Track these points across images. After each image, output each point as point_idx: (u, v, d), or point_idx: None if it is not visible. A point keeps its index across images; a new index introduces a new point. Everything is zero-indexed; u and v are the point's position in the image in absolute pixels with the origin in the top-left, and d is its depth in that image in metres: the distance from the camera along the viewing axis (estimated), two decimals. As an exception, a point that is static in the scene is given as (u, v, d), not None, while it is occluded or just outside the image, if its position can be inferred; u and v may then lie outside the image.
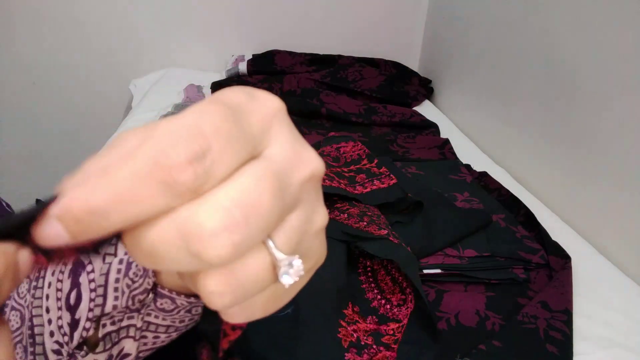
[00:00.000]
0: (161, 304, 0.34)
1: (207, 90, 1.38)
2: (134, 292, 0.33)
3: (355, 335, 0.52)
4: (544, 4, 0.96)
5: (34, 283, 0.37)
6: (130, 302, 0.33)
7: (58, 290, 0.36)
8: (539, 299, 0.61)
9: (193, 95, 1.33)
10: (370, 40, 1.71)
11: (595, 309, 0.65)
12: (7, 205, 0.61)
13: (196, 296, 0.33)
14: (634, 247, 0.74)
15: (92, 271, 0.35)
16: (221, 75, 1.51)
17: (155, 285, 0.33)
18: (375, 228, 0.63)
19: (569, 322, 0.58)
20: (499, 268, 0.68)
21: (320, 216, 0.19)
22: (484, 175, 0.96)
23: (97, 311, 0.33)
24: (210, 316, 0.25)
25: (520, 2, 1.06)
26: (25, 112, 1.60)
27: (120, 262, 0.34)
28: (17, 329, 0.37)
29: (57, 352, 0.36)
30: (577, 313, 0.62)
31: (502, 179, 0.95)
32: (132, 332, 0.34)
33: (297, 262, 0.17)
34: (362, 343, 0.51)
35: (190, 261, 0.15)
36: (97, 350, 0.35)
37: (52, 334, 0.36)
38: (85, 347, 0.35)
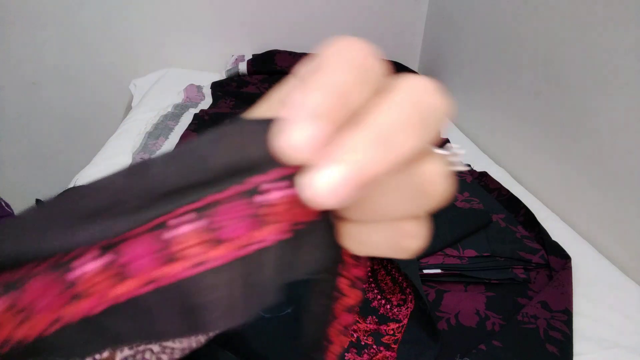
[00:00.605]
0: None
1: (207, 90, 1.38)
2: None
3: (355, 335, 0.52)
4: (543, 4, 0.96)
5: None
6: None
7: None
8: (539, 299, 0.61)
9: (193, 96, 1.33)
10: (370, 40, 1.70)
11: (595, 309, 0.64)
12: (7, 205, 0.61)
13: None
14: (634, 247, 0.74)
15: None
16: (221, 75, 1.51)
17: None
18: None
19: (569, 322, 0.58)
20: (499, 268, 0.68)
21: None
22: (484, 175, 0.96)
23: None
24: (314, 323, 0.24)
25: (519, 2, 1.06)
26: (25, 112, 1.60)
27: None
28: None
29: None
30: (577, 313, 0.62)
31: (502, 179, 0.95)
32: (148, 355, 0.34)
33: (451, 145, 0.17)
34: (362, 343, 0.51)
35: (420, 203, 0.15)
36: None
37: None
38: None
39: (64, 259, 0.14)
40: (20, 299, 0.14)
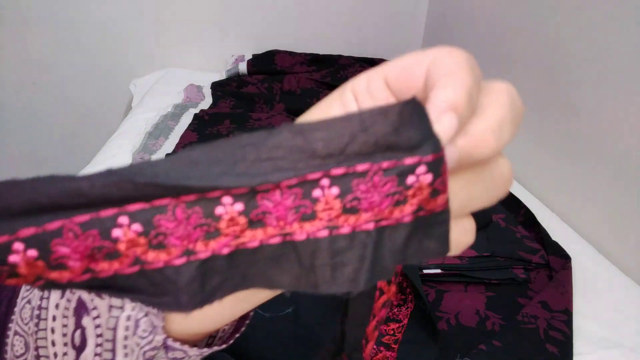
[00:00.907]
0: (173, 355, 0.34)
1: (207, 90, 1.38)
2: (144, 349, 0.33)
3: (355, 335, 0.52)
4: (543, 4, 0.96)
5: (36, 312, 0.36)
6: (141, 359, 0.33)
7: (64, 326, 0.36)
8: (539, 299, 0.61)
9: (193, 96, 1.33)
10: (370, 41, 1.71)
11: (595, 309, 0.65)
12: None
13: (208, 345, 0.34)
14: (634, 247, 0.74)
15: (98, 317, 0.35)
16: (221, 76, 1.51)
17: (165, 340, 0.33)
18: None
19: (569, 322, 0.58)
20: (498, 268, 0.68)
21: None
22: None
23: None
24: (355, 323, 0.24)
25: (519, 3, 1.06)
26: (25, 112, 1.60)
27: (128, 318, 0.33)
28: (22, 354, 0.37)
29: None
30: (577, 313, 0.62)
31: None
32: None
33: None
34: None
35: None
36: None
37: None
38: None
39: (213, 194, 0.15)
40: (161, 225, 0.15)
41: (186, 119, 1.18)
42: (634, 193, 0.73)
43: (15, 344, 0.37)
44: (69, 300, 0.36)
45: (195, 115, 1.19)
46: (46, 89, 1.59)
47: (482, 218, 0.77)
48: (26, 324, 0.37)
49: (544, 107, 0.96)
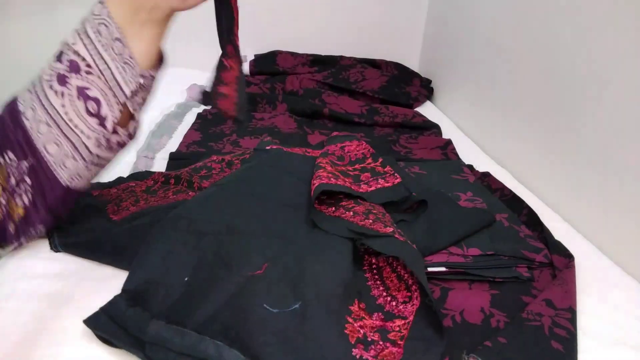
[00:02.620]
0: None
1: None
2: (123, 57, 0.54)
3: (362, 331, 0.53)
4: (544, 4, 0.97)
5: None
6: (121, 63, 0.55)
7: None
8: (543, 297, 0.61)
9: (196, 95, 1.34)
10: (370, 41, 1.71)
11: (598, 308, 0.65)
12: None
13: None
14: (636, 247, 0.74)
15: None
16: (223, 75, 1.51)
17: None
18: (381, 226, 0.63)
19: (573, 320, 0.58)
20: (502, 267, 0.69)
21: None
22: (487, 175, 0.97)
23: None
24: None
25: (520, 3, 1.07)
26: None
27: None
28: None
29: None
30: (581, 311, 0.62)
31: (504, 180, 0.96)
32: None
33: None
34: (369, 339, 0.52)
35: None
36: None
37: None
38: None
39: None
40: None
41: (189, 118, 1.19)
42: (636, 193, 0.74)
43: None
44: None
45: (199, 114, 1.19)
46: (48, 88, 1.59)
47: (485, 217, 0.77)
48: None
49: (544, 107, 0.97)
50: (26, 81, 0.61)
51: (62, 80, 0.52)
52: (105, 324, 0.50)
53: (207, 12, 1.61)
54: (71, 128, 0.53)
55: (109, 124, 0.55)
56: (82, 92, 0.52)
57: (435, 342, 0.53)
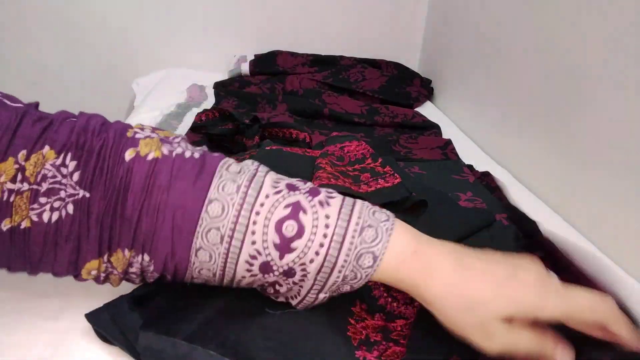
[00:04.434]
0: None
1: (209, 90, 1.38)
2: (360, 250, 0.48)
3: (364, 332, 0.53)
4: (544, 4, 0.97)
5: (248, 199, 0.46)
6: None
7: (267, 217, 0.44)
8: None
9: (196, 95, 1.34)
10: (370, 41, 1.72)
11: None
12: None
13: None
14: (636, 247, 0.74)
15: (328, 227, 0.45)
16: (224, 76, 1.51)
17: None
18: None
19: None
20: (503, 266, 0.69)
21: None
22: (486, 175, 0.97)
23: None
24: None
25: (520, 2, 1.07)
26: (26, 111, 1.60)
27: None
28: (217, 216, 0.44)
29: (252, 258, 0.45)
30: (581, 311, 0.62)
31: (504, 180, 0.96)
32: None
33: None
34: (372, 340, 0.52)
35: None
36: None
37: (253, 242, 0.43)
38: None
39: None
40: None
41: (189, 119, 1.19)
42: (636, 193, 0.74)
43: (212, 208, 0.45)
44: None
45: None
46: (47, 89, 1.59)
47: (485, 217, 0.77)
48: (229, 195, 0.46)
49: (544, 107, 0.97)
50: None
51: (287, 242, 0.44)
52: (105, 322, 0.50)
53: (207, 12, 1.61)
54: (237, 262, 0.45)
55: (271, 279, 0.48)
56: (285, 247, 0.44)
57: (439, 341, 0.53)
